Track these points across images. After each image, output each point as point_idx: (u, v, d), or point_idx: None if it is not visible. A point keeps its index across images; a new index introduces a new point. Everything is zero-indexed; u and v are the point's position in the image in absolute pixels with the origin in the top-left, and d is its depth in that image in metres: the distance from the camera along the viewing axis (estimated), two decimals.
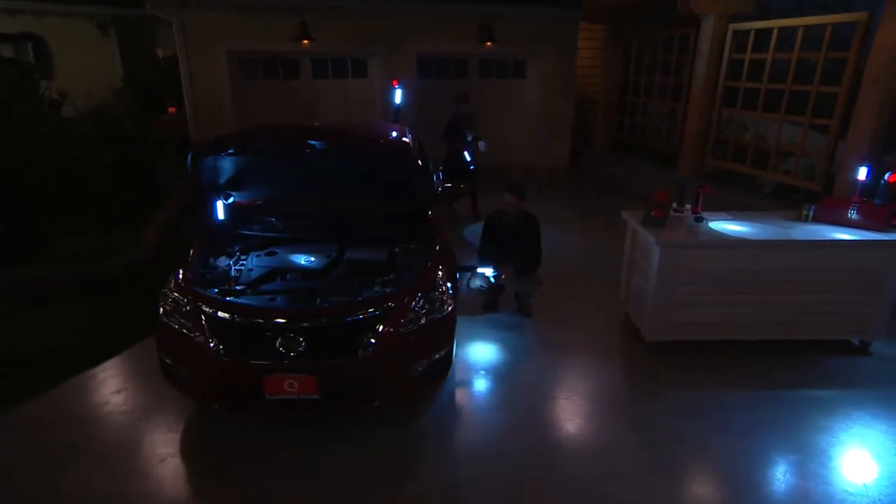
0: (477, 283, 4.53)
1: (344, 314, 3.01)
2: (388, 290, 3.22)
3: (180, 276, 3.25)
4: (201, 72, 9.13)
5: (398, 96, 5.28)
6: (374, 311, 3.05)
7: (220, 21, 8.86)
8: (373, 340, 3.00)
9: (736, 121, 7.36)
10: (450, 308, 3.37)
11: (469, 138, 6.76)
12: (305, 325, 2.94)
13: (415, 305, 3.20)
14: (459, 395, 3.68)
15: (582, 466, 3.07)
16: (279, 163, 3.57)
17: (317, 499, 2.81)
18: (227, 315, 2.96)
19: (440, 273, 3.44)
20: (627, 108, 9.82)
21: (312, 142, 3.20)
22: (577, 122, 11.14)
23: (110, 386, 3.70)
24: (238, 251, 3.65)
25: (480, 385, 3.81)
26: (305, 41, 8.97)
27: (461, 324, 4.51)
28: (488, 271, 4.44)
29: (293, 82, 9.92)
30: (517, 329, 4.54)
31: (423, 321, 3.21)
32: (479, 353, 4.17)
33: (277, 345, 2.91)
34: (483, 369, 3.98)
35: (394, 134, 4.89)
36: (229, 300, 3.04)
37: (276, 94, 9.77)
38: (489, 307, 4.83)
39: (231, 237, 3.78)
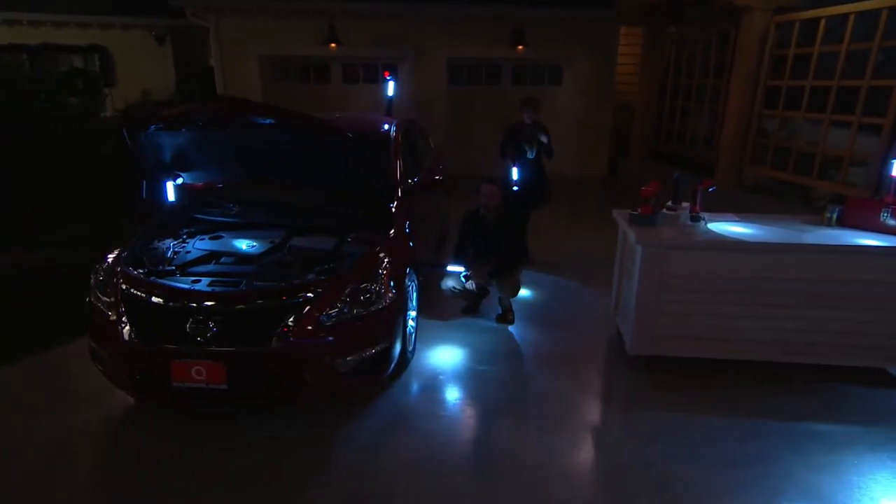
0: (449, 284, 4.20)
1: (257, 299, 2.79)
2: (314, 278, 2.98)
3: (114, 255, 3.17)
4: (235, 76, 9.41)
5: (390, 88, 5.10)
6: (294, 299, 2.82)
7: (253, 26, 9.12)
8: (291, 330, 2.77)
9: (788, 126, 6.59)
10: (389, 301, 3.09)
11: (531, 154, 5.33)
12: (215, 308, 2.74)
13: (345, 296, 2.95)
14: (405, 398, 3.35)
15: (522, 487, 2.66)
16: (229, 142, 3.42)
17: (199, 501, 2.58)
18: (139, 294, 2.82)
19: (382, 264, 3.17)
20: (665, 114, 9.18)
21: (254, 118, 3.02)
22: (615, 130, 10.59)
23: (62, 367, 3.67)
24: (185, 234, 3.54)
25: (432, 391, 3.46)
26: (333, 45, 9.05)
27: (432, 327, 4.23)
28: (459, 271, 4.11)
29: (324, 87, 10.05)
30: (492, 335, 4.15)
31: (354, 313, 2.95)
32: (442, 358, 3.82)
33: (187, 328, 2.73)
34: (441, 374, 3.62)
35: (367, 124, 4.73)
36: (145, 279, 2.89)
37: (307, 98, 9.89)
38: (469, 311, 4.48)
39: (185, 220, 3.68)
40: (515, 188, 5.06)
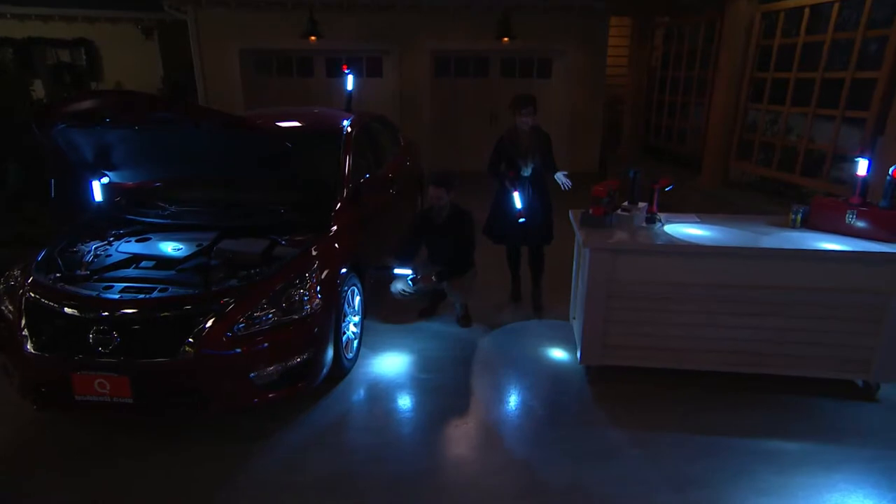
0: (398, 287, 4.02)
1: (165, 309, 2.64)
2: (233, 284, 2.82)
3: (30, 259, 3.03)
4: (214, 71, 9.27)
5: (349, 83, 4.91)
6: (206, 307, 2.67)
7: (232, 19, 8.95)
8: (202, 340, 2.62)
9: (780, 121, 6.28)
10: (315, 308, 2.93)
11: (526, 171, 4.09)
12: (118, 317, 2.60)
13: (263, 303, 2.79)
14: (336, 409, 3.18)
15: None
16: (157, 140, 3.24)
17: None
18: (42, 301, 2.68)
19: (309, 269, 3.01)
20: (654, 108, 8.92)
21: (163, 115, 2.85)
22: (607, 124, 10.32)
23: None
24: (112, 236, 3.39)
25: (367, 401, 3.30)
26: (313, 38, 8.85)
27: (384, 331, 4.06)
28: (406, 273, 3.94)
29: (307, 81, 9.86)
30: (444, 341, 3.98)
31: (274, 321, 2.80)
32: (386, 365, 3.66)
33: (89, 339, 2.59)
34: (380, 383, 3.46)
35: (317, 121, 4.57)
36: (49, 286, 2.75)
37: (290, 92, 9.74)
38: (426, 313, 4.31)
39: (115, 221, 3.53)
40: (522, 220, 3.99)
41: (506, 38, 9.13)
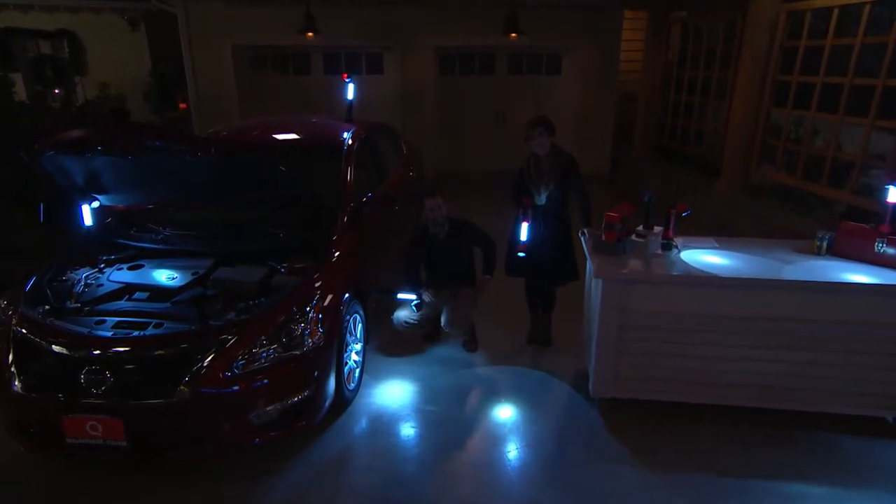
0: (402, 316, 4.03)
1: (161, 347, 2.68)
2: (231, 319, 2.86)
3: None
4: (206, 68, 9.27)
5: (350, 91, 4.93)
6: (204, 345, 2.70)
7: (225, 13, 8.95)
8: (199, 379, 2.66)
9: (804, 125, 6.26)
10: (317, 342, 2.97)
11: (540, 199, 3.93)
12: (111, 357, 2.63)
13: (263, 339, 2.83)
14: (338, 445, 3.22)
15: None
16: (149, 163, 3.28)
17: None
18: (30, 337, 2.72)
19: (310, 300, 3.04)
20: (669, 108, 8.91)
21: (151, 143, 2.88)
22: (622, 123, 10.30)
23: None
24: (103, 262, 3.43)
25: (369, 435, 3.34)
26: (310, 34, 8.85)
27: (385, 358, 4.10)
28: (411, 298, 3.97)
29: (304, 78, 9.87)
30: (449, 368, 4.01)
31: (273, 357, 2.83)
32: (389, 395, 3.69)
33: (81, 379, 2.62)
34: (383, 416, 3.49)
35: (315, 137, 4.59)
36: (39, 320, 2.79)
37: (286, 90, 9.76)
38: (430, 338, 4.34)
39: (107, 246, 3.57)
40: (521, 254, 3.83)
41: (514, 34, 9.11)
